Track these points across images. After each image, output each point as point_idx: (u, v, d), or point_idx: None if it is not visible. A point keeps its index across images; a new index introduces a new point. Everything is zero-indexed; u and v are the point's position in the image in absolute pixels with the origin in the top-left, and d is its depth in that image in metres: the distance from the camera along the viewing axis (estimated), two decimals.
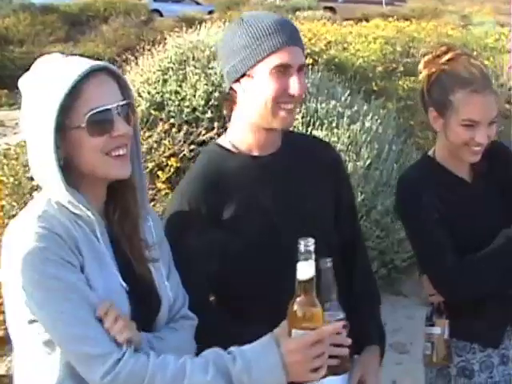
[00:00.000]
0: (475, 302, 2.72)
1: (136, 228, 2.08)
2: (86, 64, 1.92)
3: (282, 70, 2.31)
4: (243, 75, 2.37)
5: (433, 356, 2.78)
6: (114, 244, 2.02)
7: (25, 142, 5.80)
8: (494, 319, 2.77)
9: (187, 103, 6.29)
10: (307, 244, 1.89)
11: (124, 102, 1.97)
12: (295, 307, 1.90)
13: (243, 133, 2.44)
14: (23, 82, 1.98)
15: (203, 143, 5.99)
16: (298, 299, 1.90)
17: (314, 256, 1.90)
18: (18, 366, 2.03)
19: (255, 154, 2.44)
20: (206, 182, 2.39)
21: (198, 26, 7.58)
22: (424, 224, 2.71)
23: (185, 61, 6.67)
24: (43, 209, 1.92)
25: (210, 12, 25.21)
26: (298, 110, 2.43)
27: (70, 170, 1.92)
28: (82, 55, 2.02)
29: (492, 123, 2.69)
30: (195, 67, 6.51)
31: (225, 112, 5.87)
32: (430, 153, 2.86)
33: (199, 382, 1.83)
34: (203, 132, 5.91)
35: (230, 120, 2.50)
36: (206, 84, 6.31)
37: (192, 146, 5.80)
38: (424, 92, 2.81)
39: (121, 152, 1.95)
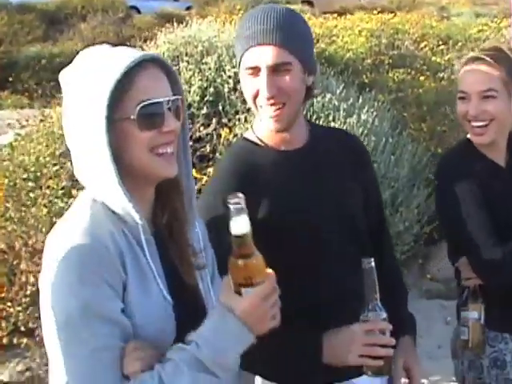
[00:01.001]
0: (509, 291, 2.71)
1: (184, 233, 1.99)
2: (138, 53, 1.83)
3: (253, 72, 2.28)
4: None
5: (469, 341, 2.76)
6: (160, 251, 1.93)
7: (17, 141, 5.76)
8: None
9: None
10: (236, 202, 1.77)
11: (175, 97, 1.88)
12: (238, 265, 1.78)
13: (267, 128, 2.39)
14: (66, 74, 1.87)
15: (199, 140, 5.94)
16: (238, 255, 1.79)
17: (246, 211, 1.78)
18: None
19: (283, 148, 2.41)
20: (238, 178, 2.34)
21: (190, 22, 7.50)
22: (467, 208, 2.69)
23: (178, 56, 6.58)
24: (90, 213, 1.82)
25: (188, 8, 25.07)
26: (288, 110, 2.32)
27: (117, 167, 1.79)
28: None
29: (488, 97, 2.68)
30: (188, 63, 6.43)
31: (220, 107, 5.96)
32: (469, 135, 2.85)
33: None
34: (201, 128, 5.85)
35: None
36: (201, 79, 6.24)
37: (190, 143, 5.72)
38: None
39: (168, 150, 1.86)
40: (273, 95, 2.26)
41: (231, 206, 1.77)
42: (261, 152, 2.40)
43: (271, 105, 2.28)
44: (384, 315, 2.21)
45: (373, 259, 2.18)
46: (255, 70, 2.27)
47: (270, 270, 1.82)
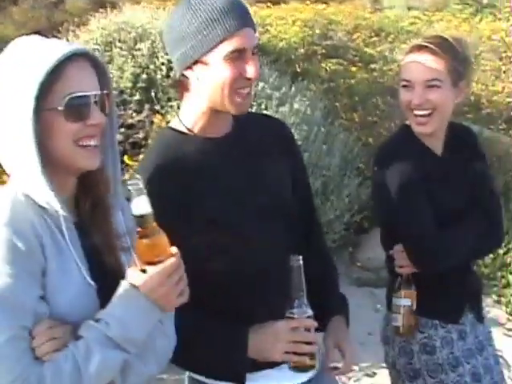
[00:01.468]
0: (439, 279, 2.76)
1: (107, 219, 2.02)
2: (69, 46, 1.87)
3: (238, 55, 2.24)
4: (196, 62, 2.28)
5: (400, 328, 2.81)
6: (83, 237, 1.96)
7: None
8: (455, 296, 2.83)
9: (114, 85, 6.16)
10: (135, 183, 1.82)
11: (102, 92, 1.92)
12: (142, 244, 1.84)
13: (197, 116, 2.38)
14: None
15: (132, 126, 5.91)
16: (141, 235, 1.84)
17: (145, 192, 1.83)
18: None
19: (210, 135, 2.39)
20: (165, 168, 2.32)
21: (123, 8, 7.44)
22: (406, 195, 2.70)
23: (111, 42, 6.55)
24: (11, 203, 1.85)
25: None
26: (252, 94, 2.35)
27: (41, 156, 1.82)
28: None
29: (432, 86, 2.69)
30: (121, 49, 6.40)
31: (153, 94, 5.93)
32: (408, 122, 2.84)
33: (95, 366, 1.78)
34: (133, 115, 5.83)
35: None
36: (134, 66, 6.21)
37: (122, 129, 5.70)
38: None
39: (91, 143, 1.90)
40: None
41: (130, 188, 1.82)
42: (187, 140, 2.38)
43: (248, 86, 2.28)
44: (310, 312, 2.24)
45: (301, 257, 2.21)
46: (240, 53, 2.23)
47: (174, 249, 1.86)
